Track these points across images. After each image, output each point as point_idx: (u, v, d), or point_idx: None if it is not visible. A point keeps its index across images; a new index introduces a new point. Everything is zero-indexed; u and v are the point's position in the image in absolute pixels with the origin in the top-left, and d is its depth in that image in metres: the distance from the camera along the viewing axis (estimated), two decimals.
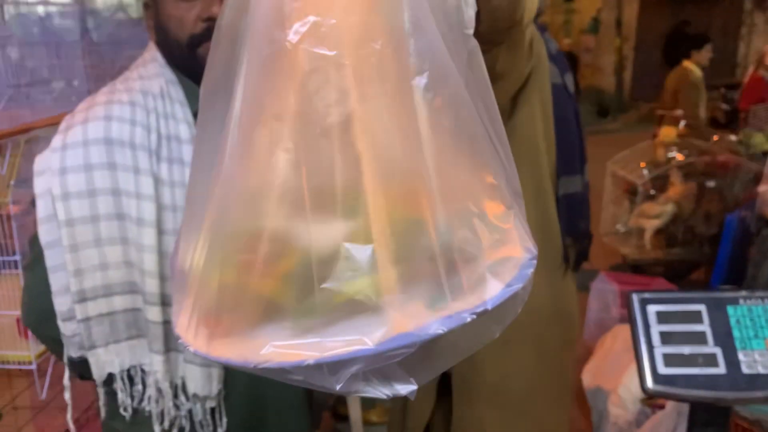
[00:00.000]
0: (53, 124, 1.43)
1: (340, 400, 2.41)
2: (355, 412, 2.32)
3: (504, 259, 0.46)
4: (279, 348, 0.42)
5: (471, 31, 0.50)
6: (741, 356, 0.86)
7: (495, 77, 0.95)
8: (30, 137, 1.39)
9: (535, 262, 0.49)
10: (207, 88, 0.52)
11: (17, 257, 1.36)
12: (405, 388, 0.44)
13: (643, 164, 3.27)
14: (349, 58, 0.43)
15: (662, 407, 2.06)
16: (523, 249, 0.49)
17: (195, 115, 0.92)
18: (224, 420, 0.98)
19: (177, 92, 0.92)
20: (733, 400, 0.85)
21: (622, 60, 9.59)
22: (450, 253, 0.43)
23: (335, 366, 0.41)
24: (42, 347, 1.43)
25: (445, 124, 0.46)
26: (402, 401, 1.28)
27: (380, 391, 0.44)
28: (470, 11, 0.51)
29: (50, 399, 1.95)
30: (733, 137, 3.69)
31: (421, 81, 0.45)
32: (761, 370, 0.84)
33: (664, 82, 4.55)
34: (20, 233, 1.38)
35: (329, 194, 0.42)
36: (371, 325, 0.41)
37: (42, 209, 0.87)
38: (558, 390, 1.19)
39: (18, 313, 1.39)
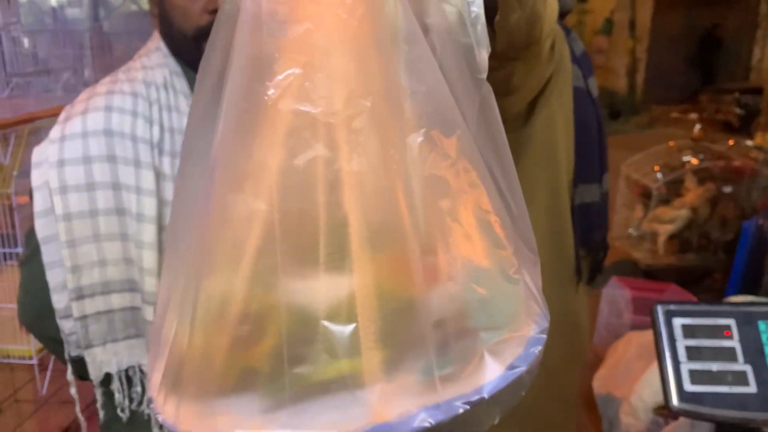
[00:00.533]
0: (57, 114, 1.40)
1: None
2: None
3: (507, 335, 0.42)
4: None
5: (484, 75, 0.46)
6: None
7: (510, 90, 0.90)
8: (34, 127, 1.36)
9: (544, 337, 0.44)
10: (187, 135, 0.48)
11: (20, 249, 1.33)
12: None
13: (657, 168, 3.21)
14: (336, 115, 0.38)
15: (676, 418, 2.01)
16: (530, 321, 0.44)
17: None
18: None
19: (181, 83, 0.88)
20: (764, 422, 0.81)
21: (635, 62, 9.51)
22: (443, 331, 0.39)
23: None
24: None
25: (442, 181, 0.41)
26: None
27: None
28: (483, 53, 0.46)
29: (51, 394, 1.92)
30: (749, 142, 3.62)
31: (417, 138, 0.40)
32: None
33: (677, 84, 4.50)
34: (24, 224, 1.36)
35: (310, 261, 0.38)
36: (349, 410, 0.37)
37: (39, 203, 0.84)
38: (563, 406, 1.14)
39: None
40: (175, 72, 0.87)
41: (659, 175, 3.14)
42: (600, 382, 2.32)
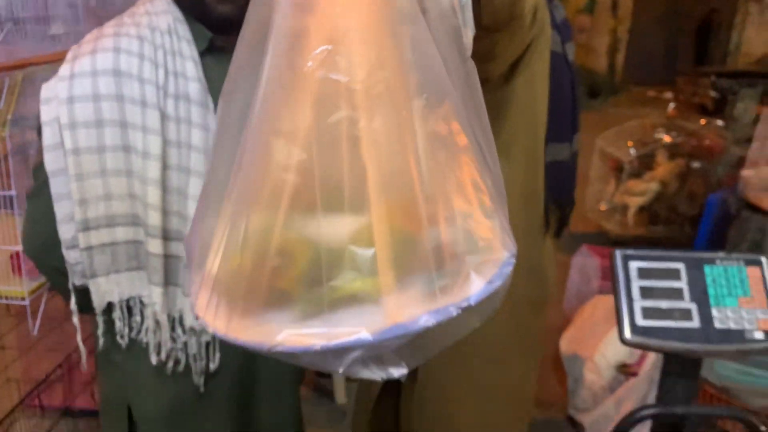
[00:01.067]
0: (51, 61, 1.43)
1: None
2: None
3: (486, 258, 0.52)
4: (290, 335, 0.47)
5: (469, 53, 0.56)
6: (714, 312, 0.91)
7: (494, 57, 0.97)
8: (27, 73, 1.39)
9: (513, 260, 0.54)
10: (226, 90, 0.57)
11: (13, 192, 1.36)
12: (397, 371, 0.51)
13: (630, 143, 3.32)
14: (359, 83, 0.48)
15: (635, 374, 2.14)
16: (503, 248, 0.54)
17: (201, 54, 0.94)
18: (217, 355, 1.01)
19: (184, 30, 0.92)
20: (704, 353, 0.91)
21: (616, 42, 9.59)
22: (440, 256, 0.49)
23: (338, 352, 0.47)
24: (35, 284, 1.45)
25: (440, 138, 0.51)
26: None
27: (376, 374, 0.50)
28: (469, 33, 0.56)
29: (38, 339, 1.97)
30: (719, 122, 3.74)
31: (420, 102, 0.50)
32: (732, 326, 0.89)
33: (657, 66, 4.59)
34: (16, 168, 1.39)
35: (338, 200, 0.47)
36: (370, 316, 0.47)
37: (49, 137, 0.88)
38: (527, 346, 1.23)
39: (13, 248, 1.40)
40: (178, 19, 0.92)
41: (632, 151, 3.25)
42: (567, 343, 2.44)
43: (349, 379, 2.40)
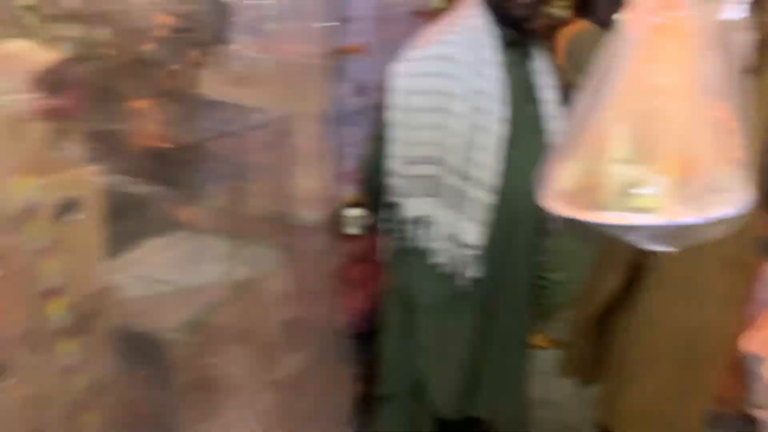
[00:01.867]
0: (354, 50, 1.94)
1: None
2: None
3: (731, 199, 0.81)
4: (608, 216, 0.80)
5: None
6: None
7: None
8: (343, 58, 1.90)
9: (749, 204, 0.81)
10: (581, 88, 0.90)
11: None
12: (664, 248, 0.82)
13: None
14: (671, 85, 0.81)
15: None
16: (745, 196, 0.82)
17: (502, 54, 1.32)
18: (479, 266, 1.39)
19: (488, 39, 1.31)
20: None
21: None
22: (703, 192, 0.79)
23: (635, 228, 0.80)
24: None
25: (719, 122, 0.81)
26: (590, 282, 1.54)
27: (652, 247, 0.82)
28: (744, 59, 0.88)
29: None
30: None
31: (709, 98, 0.80)
32: None
33: None
34: None
35: (645, 152, 0.80)
36: (656, 217, 0.78)
37: (393, 99, 1.32)
38: (733, 294, 1.43)
39: None
40: (486, 20, 1.31)
41: None
42: (750, 342, 2.49)
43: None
